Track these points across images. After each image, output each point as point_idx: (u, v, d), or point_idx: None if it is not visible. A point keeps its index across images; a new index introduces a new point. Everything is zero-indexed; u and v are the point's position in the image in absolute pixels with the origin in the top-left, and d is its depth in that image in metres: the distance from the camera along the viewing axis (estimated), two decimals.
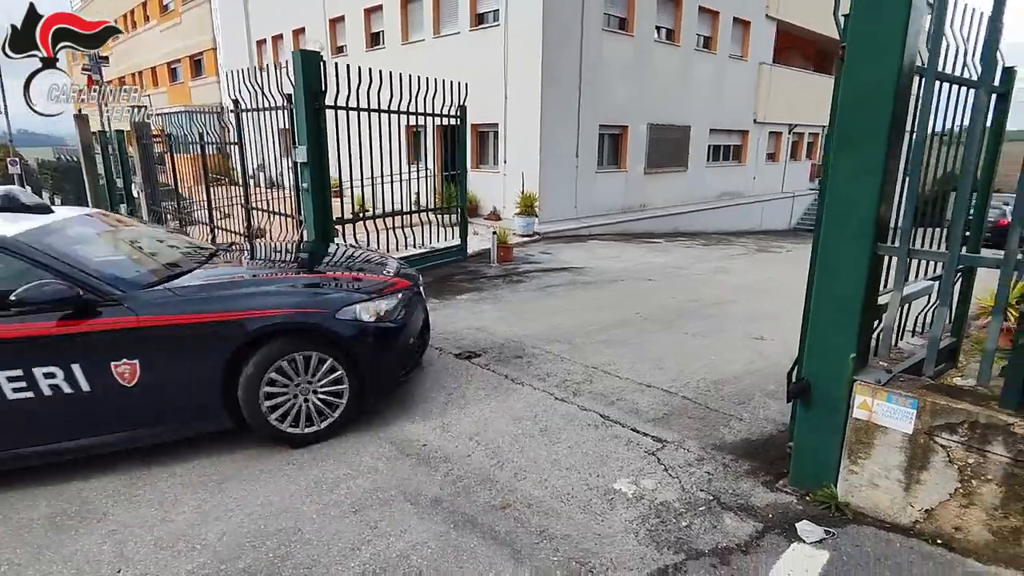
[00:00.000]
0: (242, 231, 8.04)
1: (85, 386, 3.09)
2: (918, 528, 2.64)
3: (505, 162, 14.49)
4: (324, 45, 7.77)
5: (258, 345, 3.33)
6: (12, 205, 3.60)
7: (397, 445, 3.54)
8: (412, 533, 2.75)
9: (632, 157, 16.16)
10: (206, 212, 9.08)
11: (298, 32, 20.71)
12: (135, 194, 11.69)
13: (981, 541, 2.48)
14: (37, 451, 3.17)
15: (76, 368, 3.06)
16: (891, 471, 2.67)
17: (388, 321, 3.68)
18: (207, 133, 9.05)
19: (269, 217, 8.04)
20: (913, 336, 3.50)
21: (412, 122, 7.73)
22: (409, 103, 7.50)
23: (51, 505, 3.03)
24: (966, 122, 3.00)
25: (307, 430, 3.51)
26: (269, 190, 7.96)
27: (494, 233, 9.26)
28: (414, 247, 7.98)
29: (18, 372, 2.99)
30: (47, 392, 3.05)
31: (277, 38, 21.76)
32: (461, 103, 8.34)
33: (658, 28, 16.13)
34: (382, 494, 3.06)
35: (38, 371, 3.01)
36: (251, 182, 8.21)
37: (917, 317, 3.58)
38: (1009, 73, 3.39)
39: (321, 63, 6.24)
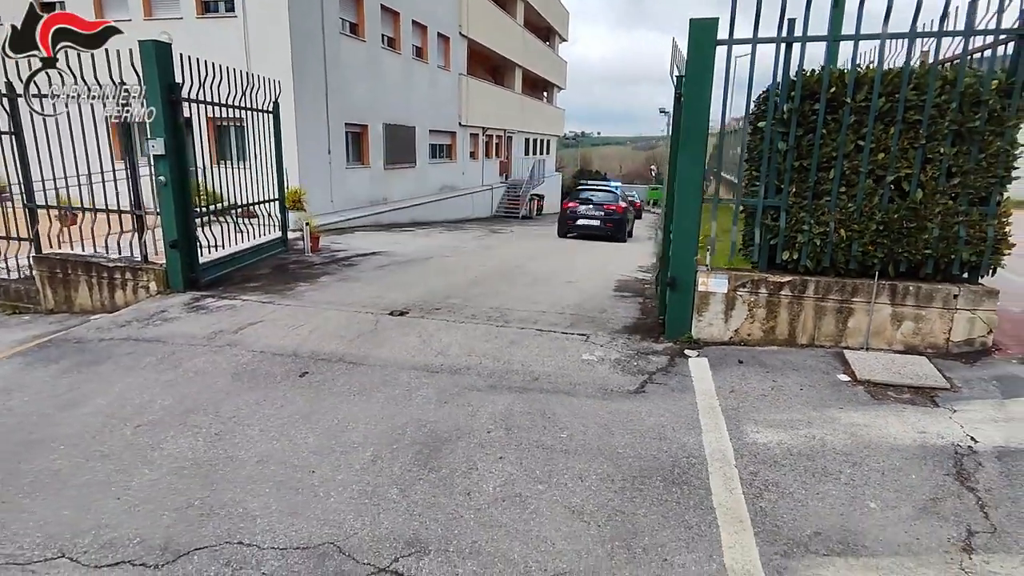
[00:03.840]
0: (29, 235, 6.97)
1: None
2: (732, 340, 5.18)
3: (256, 157, 14.23)
4: (172, 36, 7.18)
5: None
6: None
7: (422, 370, 4.67)
8: (497, 403, 4.11)
9: (373, 154, 17.48)
10: None
11: None
12: None
13: (759, 337, 5.13)
14: None
15: None
16: (717, 316, 5.16)
17: None
18: None
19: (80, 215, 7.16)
20: None
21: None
22: (231, 94, 7.68)
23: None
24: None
25: None
26: None
27: (307, 224, 9.79)
28: (242, 241, 8.13)
29: None
30: None
31: None
32: (275, 98, 8.70)
33: (383, 36, 17.69)
34: (450, 392, 4.27)
35: None
36: None
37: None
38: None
39: (176, 54, 6.19)
